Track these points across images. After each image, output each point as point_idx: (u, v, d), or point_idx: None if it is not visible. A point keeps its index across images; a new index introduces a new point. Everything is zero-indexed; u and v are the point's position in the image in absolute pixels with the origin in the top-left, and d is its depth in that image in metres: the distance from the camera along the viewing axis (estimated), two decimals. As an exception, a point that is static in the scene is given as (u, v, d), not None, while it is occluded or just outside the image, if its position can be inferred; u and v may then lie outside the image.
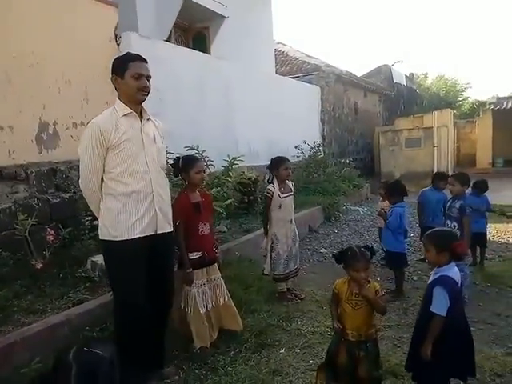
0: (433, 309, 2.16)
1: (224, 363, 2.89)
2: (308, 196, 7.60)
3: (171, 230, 2.62)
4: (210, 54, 8.50)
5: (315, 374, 2.58)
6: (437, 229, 2.45)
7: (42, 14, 4.51)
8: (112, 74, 2.47)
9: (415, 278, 4.53)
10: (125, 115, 2.42)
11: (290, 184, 4.07)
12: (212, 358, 2.94)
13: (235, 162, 4.71)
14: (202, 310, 2.98)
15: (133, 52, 2.59)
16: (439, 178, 4.68)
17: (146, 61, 2.51)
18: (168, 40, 7.60)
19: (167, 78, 5.86)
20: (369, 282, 2.42)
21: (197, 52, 7.15)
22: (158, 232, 2.50)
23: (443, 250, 2.18)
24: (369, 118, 15.35)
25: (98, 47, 5.21)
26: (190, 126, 6.18)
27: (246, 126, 7.65)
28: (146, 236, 2.44)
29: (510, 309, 3.77)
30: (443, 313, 2.13)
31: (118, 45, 5.48)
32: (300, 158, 8.79)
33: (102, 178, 2.41)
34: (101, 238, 2.46)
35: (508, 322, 3.52)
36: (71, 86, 4.88)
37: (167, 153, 2.85)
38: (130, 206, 2.39)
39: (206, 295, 3.01)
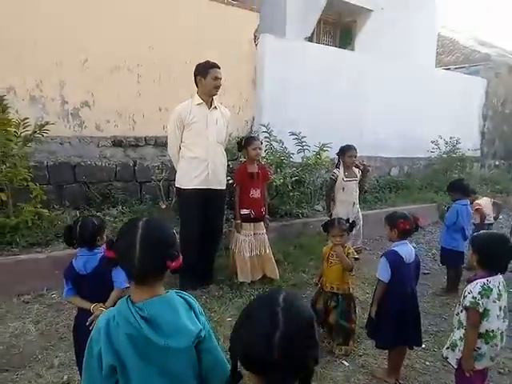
0: (377, 275, 2.62)
1: (255, 296, 3.82)
2: (428, 193, 7.47)
3: (221, 188, 3.66)
4: (353, 46, 8.98)
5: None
6: (394, 211, 2.80)
7: (197, 20, 5.90)
8: (197, 75, 3.60)
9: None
10: (197, 104, 3.54)
11: (357, 171, 4.56)
12: (248, 290, 3.90)
13: (324, 148, 5.32)
14: (247, 255, 3.94)
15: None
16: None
17: (219, 67, 3.54)
18: (312, 35, 8.46)
19: (295, 70, 6.75)
20: (344, 246, 3.00)
21: (326, 46, 7.82)
22: (211, 187, 3.57)
23: (393, 228, 2.59)
24: None
25: (239, 47, 6.44)
26: (314, 115, 6.92)
27: (374, 117, 7.90)
28: (201, 189, 3.55)
29: None
30: (385, 279, 2.58)
31: (256, 44, 6.66)
32: (435, 154, 8.50)
33: (180, 147, 3.61)
34: (175, 185, 3.69)
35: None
36: (213, 79, 6.29)
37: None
38: (192, 166, 3.53)
39: (251, 244, 3.95)
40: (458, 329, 2.15)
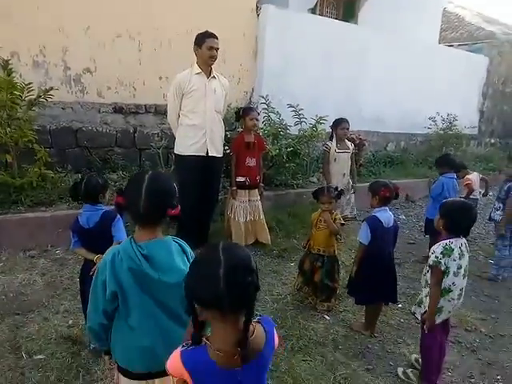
0: (358, 238, 2.84)
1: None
2: (422, 169, 7.64)
3: (218, 155, 3.83)
4: (357, 20, 8.92)
5: (296, 276, 3.52)
6: (376, 180, 3.00)
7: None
8: (194, 44, 3.70)
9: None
10: (196, 73, 3.67)
11: (349, 143, 4.72)
12: (241, 253, 4.13)
13: (321, 121, 5.44)
14: (241, 220, 4.16)
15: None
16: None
17: (216, 37, 3.63)
18: (316, 7, 8.40)
19: (295, 43, 6.78)
20: (332, 212, 3.21)
21: (328, 19, 7.79)
22: (209, 155, 3.75)
23: (374, 195, 2.79)
24: None
25: (241, 16, 6.45)
26: (313, 88, 7.00)
27: (373, 93, 7.93)
28: (199, 156, 3.72)
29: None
30: (365, 242, 2.80)
31: (258, 15, 6.67)
32: (432, 130, 8.61)
33: (179, 115, 3.75)
34: (174, 152, 3.86)
35: None
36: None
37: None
38: (190, 133, 3.69)
39: (245, 210, 4.17)
40: (424, 287, 2.38)
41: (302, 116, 5.69)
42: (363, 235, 2.79)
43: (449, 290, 2.23)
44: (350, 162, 4.75)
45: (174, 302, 1.47)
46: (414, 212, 6.50)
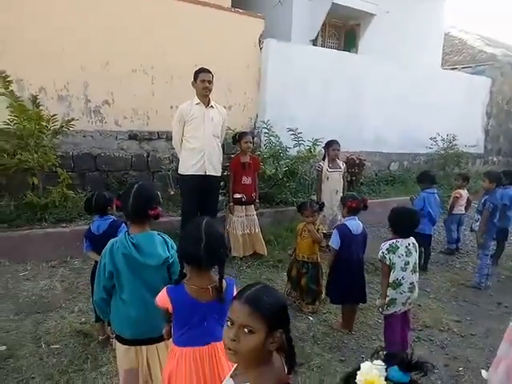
0: (330, 243, 3.21)
1: (244, 268, 4.46)
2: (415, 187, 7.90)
3: (216, 174, 4.30)
4: (357, 48, 9.45)
5: (286, 282, 3.89)
6: (347, 193, 3.38)
7: (207, 27, 6.53)
8: (193, 80, 4.23)
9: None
10: (196, 104, 4.19)
11: (340, 163, 5.12)
12: (239, 263, 4.54)
13: (317, 143, 5.86)
14: (239, 233, 4.57)
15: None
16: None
17: (209, 71, 4.15)
18: (317, 38, 8.99)
19: (296, 72, 7.31)
20: (315, 224, 3.59)
21: (326, 49, 8.36)
22: (207, 174, 4.22)
23: (344, 206, 3.18)
24: None
25: (245, 50, 7.07)
26: (313, 113, 7.48)
27: (375, 115, 8.36)
28: (199, 175, 4.20)
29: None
30: (336, 247, 3.17)
31: (261, 48, 7.26)
32: (433, 150, 8.91)
33: (182, 140, 4.26)
34: (178, 172, 4.36)
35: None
36: (220, 80, 6.91)
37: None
38: (191, 155, 4.19)
39: (243, 224, 4.59)
40: (383, 286, 2.73)
41: (300, 138, 6.15)
42: (334, 241, 3.16)
43: (399, 284, 2.58)
44: (342, 181, 5.13)
45: (156, 281, 1.92)
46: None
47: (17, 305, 3.48)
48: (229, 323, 1.18)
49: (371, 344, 3.18)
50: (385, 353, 0.86)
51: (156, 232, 2.05)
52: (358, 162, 7.36)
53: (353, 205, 3.12)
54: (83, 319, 3.32)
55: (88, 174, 5.60)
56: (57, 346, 2.94)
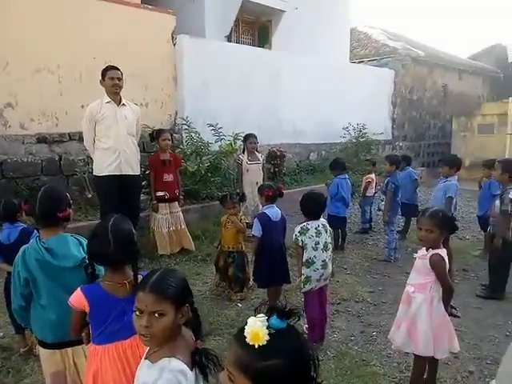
0: (252, 232, 3.36)
1: (173, 265, 4.46)
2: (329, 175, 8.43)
3: (134, 173, 4.23)
4: (270, 44, 9.76)
5: (214, 274, 3.97)
6: (264, 183, 3.59)
7: (117, 24, 6.34)
8: (101, 78, 4.11)
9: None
10: (107, 102, 4.08)
11: (259, 155, 5.31)
12: (167, 261, 4.53)
13: (238, 138, 6.01)
14: (164, 230, 4.56)
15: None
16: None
17: (117, 69, 4.06)
18: (231, 34, 9.12)
19: (213, 68, 7.37)
20: (237, 214, 3.71)
21: (241, 45, 8.53)
22: (123, 173, 4.13)
23: (262, 195, 3.34)
24: (465, 101, 14.55)
25: (157, 47, 6.95)
26: (233, 108, 7.60)
27: (292, 108, 8.72)
28: (115, 175, 4.10)
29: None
30: (258, 234, 3.31)
31: (174, 44, 7.20)
32: (346, 139, 9.53)
33: (94, 140, 4.13)
34: (93, 174, 4.22)
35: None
36: (135, 77, 6.76)
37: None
38: (105, 155, 4.08)
39: (168, 221, 4.58)
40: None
41: (221, 133, 6.24)
42: (256, 229, 3.31)
43: (312, 262, 2.80)
44: (261, 172, 5.32)
45: (75, 283, 1.88)
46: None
47: None
48: (137, 312, 1.28)
49: (295, 323, 3.37)
50: (266, 307, 1.01)
51: (69, 234, 2.01)
52: (279, 153, 7.65)
53: (269, 193, 3.28)
54: (1, 333, 3.13)
55: (-6, 182, 5.18)
56: (-27, 364, 2.75)
